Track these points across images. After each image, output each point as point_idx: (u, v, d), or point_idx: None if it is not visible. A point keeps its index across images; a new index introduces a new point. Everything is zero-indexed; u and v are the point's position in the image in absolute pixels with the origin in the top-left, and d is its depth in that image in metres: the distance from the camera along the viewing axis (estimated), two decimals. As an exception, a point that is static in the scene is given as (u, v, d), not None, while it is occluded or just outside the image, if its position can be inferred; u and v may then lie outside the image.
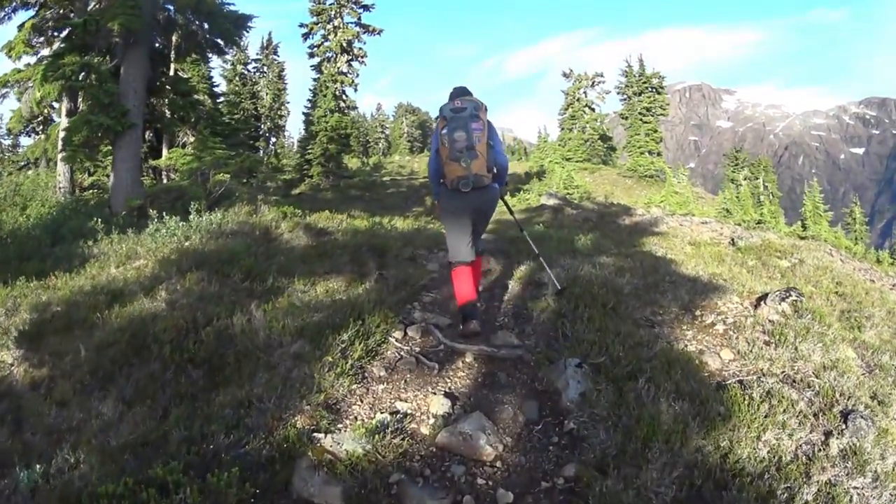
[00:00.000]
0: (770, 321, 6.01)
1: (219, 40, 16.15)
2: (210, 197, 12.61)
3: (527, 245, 9.04)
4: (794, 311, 6.09)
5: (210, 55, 19.20)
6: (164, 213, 10.53)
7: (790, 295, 6.21)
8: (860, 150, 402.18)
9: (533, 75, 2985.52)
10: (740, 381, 4.92)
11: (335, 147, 41.61)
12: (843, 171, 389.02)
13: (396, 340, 5.77)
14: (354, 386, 4.87)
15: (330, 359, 4.84)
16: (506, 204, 7.76)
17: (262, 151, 56.88)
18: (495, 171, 6.22)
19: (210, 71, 26.89)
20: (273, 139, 67.88)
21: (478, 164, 5.91)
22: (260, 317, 5.34)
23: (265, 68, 65.98)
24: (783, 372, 5.12)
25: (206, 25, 15.20)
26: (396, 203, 35.79)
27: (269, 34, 68.84)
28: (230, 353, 5.01)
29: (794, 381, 4.95)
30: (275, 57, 66.58)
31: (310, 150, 42.93)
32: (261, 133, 57.31)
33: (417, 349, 5.70)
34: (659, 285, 7.38)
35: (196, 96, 19.71)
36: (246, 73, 61.09)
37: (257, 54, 64.91)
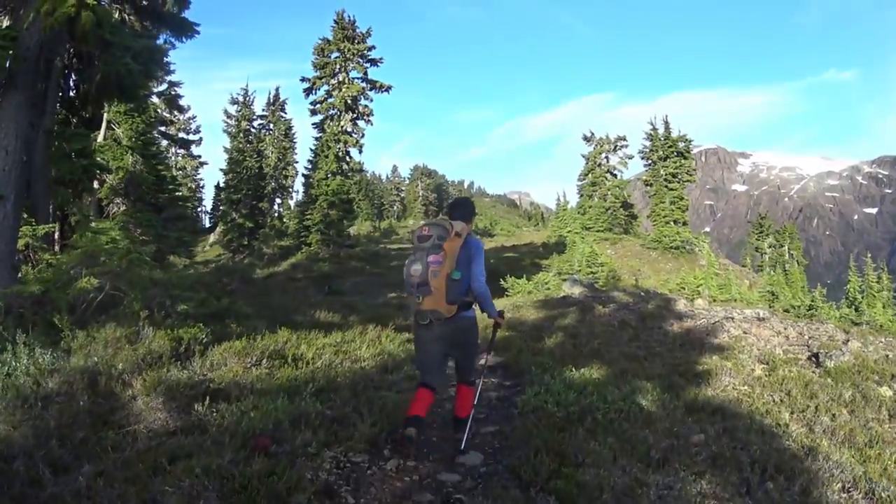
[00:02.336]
0: None
1: (125, 82, 12.24)
2: (82, 307, 8.66)
3: (541, 442, 5.99)
4: None
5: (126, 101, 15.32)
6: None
7: None
8: (873, 210, 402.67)
9: (550, 138, 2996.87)
10: None
11: (336, 213, 38.33)
12: (856, 231, 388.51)
13: None
14: None
15: None
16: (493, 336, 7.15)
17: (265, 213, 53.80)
18: (467, 299, 6.01)
19: (148, 125, 21.66)
20: (279, 200, 65.04)
21: (431, 300, 5.76)
22: None
23: (271, 125, 63.52)
24: None
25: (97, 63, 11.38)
26: (398, 280, 32.20)
27: (277, 89, 66.60)
28: None
29: None
30: (282, 114, 64.43)
31: (308, 216, 39.63)
32: (265, 193, 54.17)
33: None
34: None
35: (101, 157, 15.75)
36: (251, 129, 58.72)
37: (263, 110, 62.68)
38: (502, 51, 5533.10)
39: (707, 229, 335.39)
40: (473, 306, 6.17)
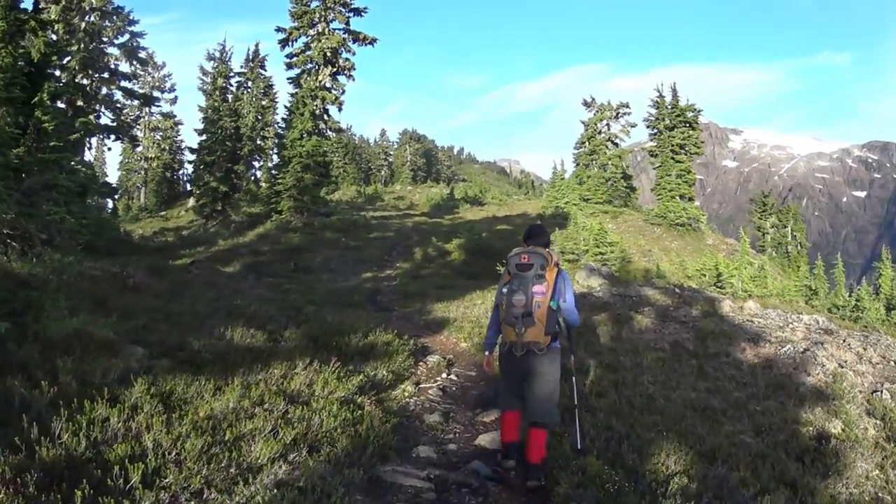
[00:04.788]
0: None
1: None
2: None
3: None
4: None
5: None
6: None
7: None
8: (862, 194, 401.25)
9: (542, 107, 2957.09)
10: None
11: (311, 177, 34.29)
12: (844, 213, 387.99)
13: None
14: None
15: None
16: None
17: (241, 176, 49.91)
18: (559, 329, 5.97)
19: (18, 59, 15.64)
20: (258, 163, 60.93)
21: (533, 331, 5.66)
22: None
23: (249, 83, 59.22)
24: None
25: None
26: (376, 255, 28.44)
27: (256, 45, 62.08)
28: None
29: None
30: (261, 71, 59.94)
31: (280, 180, 35.52)
32: (241, 155, 50.01)
33: None
34: None
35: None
36: (228, 87, 54.68)
37: (241, 67, 58.36)
38: (497, 15, 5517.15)
39: (697, 204, 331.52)
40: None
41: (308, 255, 27.40)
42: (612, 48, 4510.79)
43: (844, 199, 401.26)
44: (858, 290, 26.30)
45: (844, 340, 12.45)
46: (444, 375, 9.47)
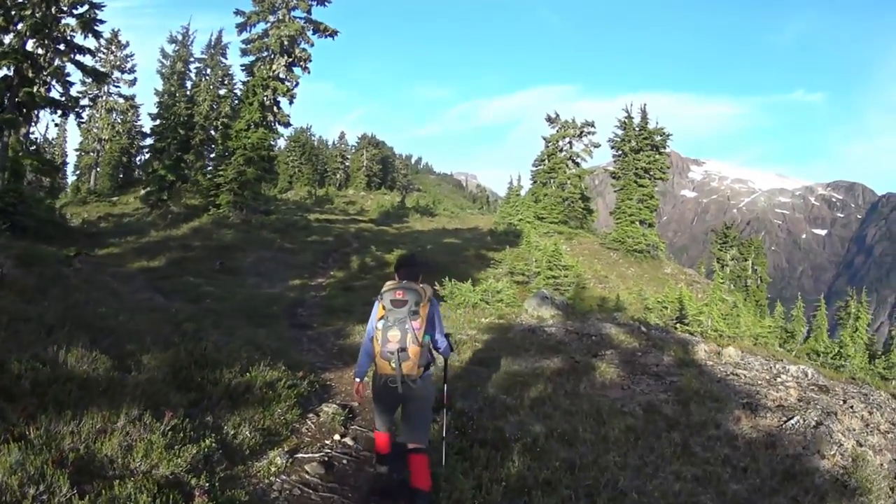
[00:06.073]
0: None
1: None
2: None
3: None
4: None
5: None
6: None
7: None
8: (823, 232, 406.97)
9: (504, 124, 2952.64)
10: None
11: (253, 171, 32.31)
12: (802, 250, 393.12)
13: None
14: None
15: None
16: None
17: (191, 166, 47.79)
18: (431, 358, 6.03)
19: None
20: (213, 154, 58.60)
21: (408, 365, 5.68)
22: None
23: (208, 70, 56.93)
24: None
25: None
26: (310, 261, 26.43)
27: (220, 32, 59.71)
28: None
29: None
30: (222, 59, 57.57)
31: (221, 172, 33.47)
32: (192, 144, 47.85)
33: None
34: None
35: None
36: (187, 72, 52.66)
37: (202, 53, 56.17)
38: (467, 28, 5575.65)
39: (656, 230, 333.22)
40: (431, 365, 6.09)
41: (238, 255, 25.45)
42: (580, 71, 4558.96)
43: (804, 236, 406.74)
44: (840, 336, 25.24)
45: (845, 402, 10.71)
46: (336, 437, 7.17)
